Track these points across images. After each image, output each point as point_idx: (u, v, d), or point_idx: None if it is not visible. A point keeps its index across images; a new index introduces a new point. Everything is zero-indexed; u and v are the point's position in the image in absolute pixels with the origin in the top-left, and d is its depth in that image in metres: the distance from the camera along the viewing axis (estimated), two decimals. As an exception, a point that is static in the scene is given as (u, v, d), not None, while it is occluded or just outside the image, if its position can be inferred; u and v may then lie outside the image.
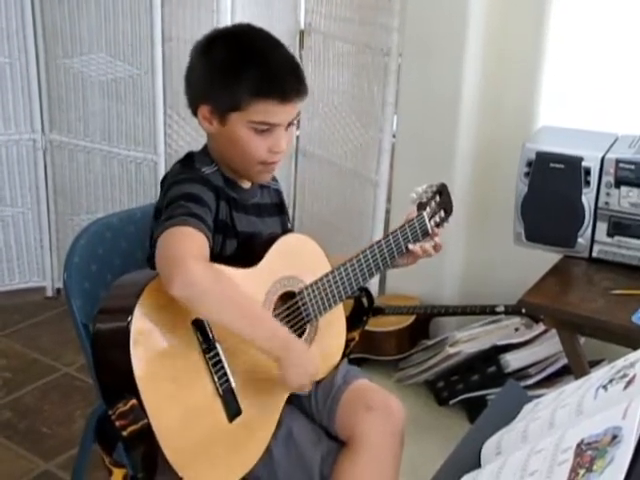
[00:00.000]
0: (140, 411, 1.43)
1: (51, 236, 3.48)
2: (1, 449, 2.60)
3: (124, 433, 1.43)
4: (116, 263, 1.94)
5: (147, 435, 1.44)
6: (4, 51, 3.21)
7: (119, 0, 3.04)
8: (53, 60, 3.25)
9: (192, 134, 3.06)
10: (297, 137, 3.44)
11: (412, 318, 3.02)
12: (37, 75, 3.27)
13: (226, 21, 2.93)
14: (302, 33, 3.32)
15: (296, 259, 1.78)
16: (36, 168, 3.38)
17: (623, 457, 0.83)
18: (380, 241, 1.85)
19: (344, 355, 1.88)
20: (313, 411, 1.80)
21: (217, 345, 1.56)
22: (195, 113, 1.72)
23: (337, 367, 1.84)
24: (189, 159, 1.75)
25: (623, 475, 0.82)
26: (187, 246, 1.50)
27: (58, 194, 3.42)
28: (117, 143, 3.23)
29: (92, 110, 3.24)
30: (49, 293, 3.56)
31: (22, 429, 2.70)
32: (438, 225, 1.97)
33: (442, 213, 1.99)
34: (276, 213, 1.88)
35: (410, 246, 1.88)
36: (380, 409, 1.73)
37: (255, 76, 1.64)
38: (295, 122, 1.74)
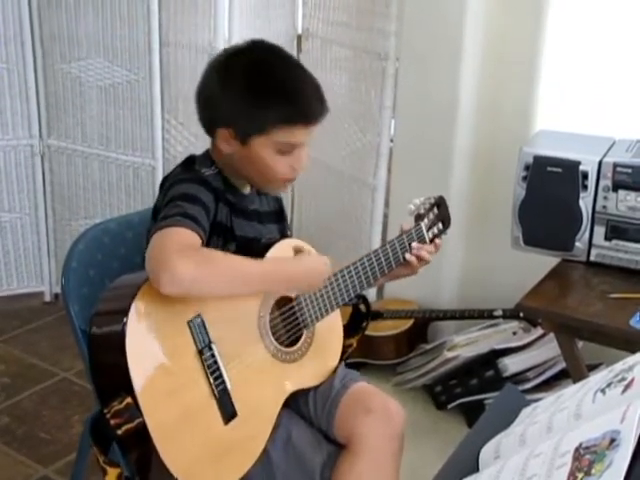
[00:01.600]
0: (135, 409, 1.44)
1: (49, 241, 3.48)
2: (-1, 455, 2.61)
3: (119, 432, 1.44)
4: (114, 268, 1.94)
5: (142, 434, 1.44)
6: (2, 57, 3.21)
7: (117, 5, 3.04)
8: (51, 65, 3.25)
9: (190, 139, 3.06)
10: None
11: (410, 322, 3.02)
12: (35, 80, 3.27)
13: (223, 26, 2.93)
14: (299, 38, 3.32)
15: None
16: (34, 173, 3.38)
17: (621, 461, 0.83)
18: (377, 250, 1.85)
19: (342, 360, 1.88)
20: (312, 415, 1.80)
21: (213, 346, 1.56)
22: (210, 133, 1.73)
23: (335, 371, 1.84)
24: (190, 162, 1.76)
25: (622, 478, 0.82)
26: (172, 245, 1.49)
27: (56, 199, 3.42)
28: (115, 148, 3.23)
29: (90, 115, 3.24)
30: (47, 298, 3.56)
31: (20, 434, 2.70)
32: (435, 237, 1.97)
33: (440, 225, 1.99)
34: (275, 220, 1.89)
35: (407, 256, 1.88)
36: (379, 412, 1.73)
37: (282, 105, 1.66)
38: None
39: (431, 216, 1.96)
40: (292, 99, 1.67)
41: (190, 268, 1.46)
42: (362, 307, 1.97)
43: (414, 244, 1.89)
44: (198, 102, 1.75)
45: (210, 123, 1.73)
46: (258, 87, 1.67)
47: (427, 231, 1.94)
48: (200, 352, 1.55)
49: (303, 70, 1.75)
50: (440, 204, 2.00)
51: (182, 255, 1.46)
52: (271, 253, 1.72)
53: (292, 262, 1.71)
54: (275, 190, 1.82)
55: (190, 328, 1.54)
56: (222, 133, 1.69)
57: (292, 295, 1.74)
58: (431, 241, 1.95)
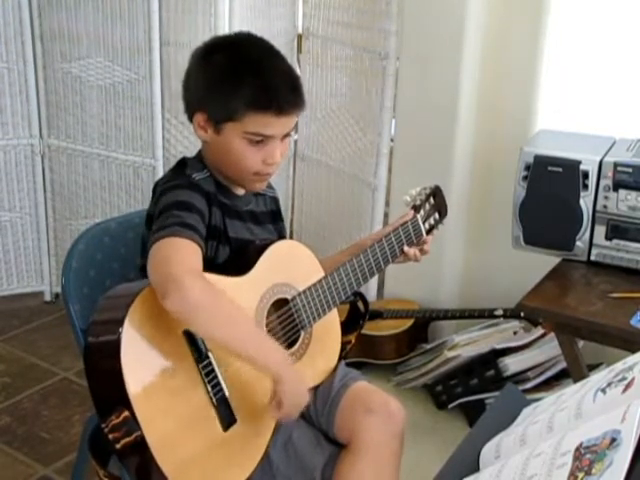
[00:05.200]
0: (133, 423, 1.42)
1: (49, 241, 3.48)
2: (0, 454, 2.60)
3: (117, 446, 1.43)
4: (114, 268, 1.94)
5: (141, 447, 1.43)
6: (2, 56, 3.21)
7: (117, 4, 3.04)
8: (51, 65, 3.24)
9: (190, 139, 3.06)
10: (295, 141, 3.44)
11: (411, 322, 3.02)
12: (35, 80, 3.27)
13: (224, 25, 2.93)
14: (300, 37, 3.32)
15: (288, 266, 1.77)
16: (34, 173, 3.38)
17: (622, 460, 0.83)
18: (374, 245, 1.84)
19: (341, 358, 1.87)
20: (312, 415, 1.80)
21: (209, 354, 1.55)
22: (191, 119, 1.73)
23: (335, 371, 1.83)
24: (181, 165, 1.75)
25: (622, 478, 0.82)
26: (180, 260, 1.49)
27: (56, 199, 3.42)
28: (115, 148, 3.23)
29: (90, 114, 3.23)
30: (47, 298, 3.56)
31: (21, 434, 2.70)
32: (433, 227, 1.98)
33: (436, 215, 1.99)
34: (272, 221, 1.88)
35: (405, 248, 1.89)
36: (380, 411, 1.73)
37: (251, 88, 1.64)
38: (291, 133, 1.74)
39: (427, 207, 1.96)
40: (263, 85, 1.65)
41: (200, 293, 1.47)
42: (360, 304, 1.96)
43: (405, 248, 1.90)
44: (182, 87, 1.76)
45: (188, 106, 1.73)
46: (231, 70, 1.66)
47: (424, 222, 1.94)
48: (197, 361, 1.54)
49: (282, 60, 1.73)
50: (436, 194, 2.00)
51: (194, 276, 1.48)
52: (265, 256, 1.71)
53: (286, 361, 1.64)
54: (250, 185, 1.77)
55: (186, 337, 1.53)
56: (198, 118, 1.69)
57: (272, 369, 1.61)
58: (428, 232, 1.95)
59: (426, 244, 1.95)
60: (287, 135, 1.71)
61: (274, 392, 1.57)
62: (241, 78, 1.65)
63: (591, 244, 2.39)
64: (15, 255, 3.45)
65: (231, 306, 1.55)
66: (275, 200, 1.92)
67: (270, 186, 1.90)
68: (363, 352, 2.96)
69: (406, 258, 1.92)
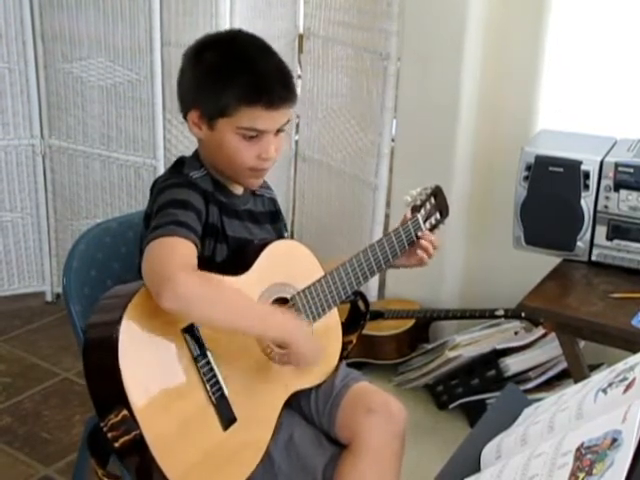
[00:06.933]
0: (132, 422, 1.42)
1: (50, 241, 3.48)
2: (1, 454, 2.60)
3: (116, 445, 1.43)
4: (115, 268, 1.94)
5: (140, 446, 1.43)
6: (3, 56, 3.21)
7: (118, 5, 3.04)
8: (52, 65, 3.25)
9: (191, 139, 3.01)
10: (296, 141, 3.44)
11: (412, 322, 3.02)
12: (36, 80, 3.27)
13: (225, 26, 2.93)
14: (301, 37, 3.32)
15: (287, 265, 1.77)
16: (35, 173, 3.38)
17: (623, 460, 0.83)
18: (374, 245, 1.84)
19: (342, 358, 1.87)
20: (313, 415, 1.80)
21: (208, 353, 1.56)
22: (185, 117, 1.73)
23: (336, 370, 1.83)
24: (179, 164, 1.76)
25: (623, 478, 0.82)
26: (173, 258, 1.49)
27: (57, 199, 3.43)
28: (116, 148, 3.23)
29: (91, 115, 3.24)
30: (48, 298, 3.56)
31: (22, 434, 2.70)
32: (434, 227, 1.97)
33: (437, 215, 1.99)
34: (271, 221, 1.88)
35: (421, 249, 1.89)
36: (381, 411, 1.73)
37: (242, 83, 1.64)
38: (285, 128, 1.74)
39: (428, 206, 1.95)
40: (253, 79, 1.66)
41: (194, 286, 1.47)
42: (360, 304, 1.96)
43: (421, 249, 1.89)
44: (176, 86, 1.76)
45: (182, 105, 1.74)
46: (222, 66, 1.67)
47: (424, 222, 1.93)
48: (195, 359, 1.54)
49: (272, 55, 1.74)
50: (437, 194, 1.99)
51: (186, 272, 1.48)
52: (264, 256, 1.71)
53: (297, 321, 1.68)
54: (246, 181, 1.77)
55: (184, 336, 1.53)
56: (192, 115, 1.70)
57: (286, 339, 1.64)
58: (429, 232, 1.95)
59: (425, 240, 1.94)
60: (281, 130, 1.72)
61: (288, 355, 1.62)
62: (232, 74, 1.65)
63: (592, 244, 2.39)
64: (16, 255, 3.45)
65: (226, 290, 1.56)
66: (273, 201, 1.92)
67: (268, 187, 1.91)
68: (364, 352, 2.96)
69: (412, 260, 1.93)
